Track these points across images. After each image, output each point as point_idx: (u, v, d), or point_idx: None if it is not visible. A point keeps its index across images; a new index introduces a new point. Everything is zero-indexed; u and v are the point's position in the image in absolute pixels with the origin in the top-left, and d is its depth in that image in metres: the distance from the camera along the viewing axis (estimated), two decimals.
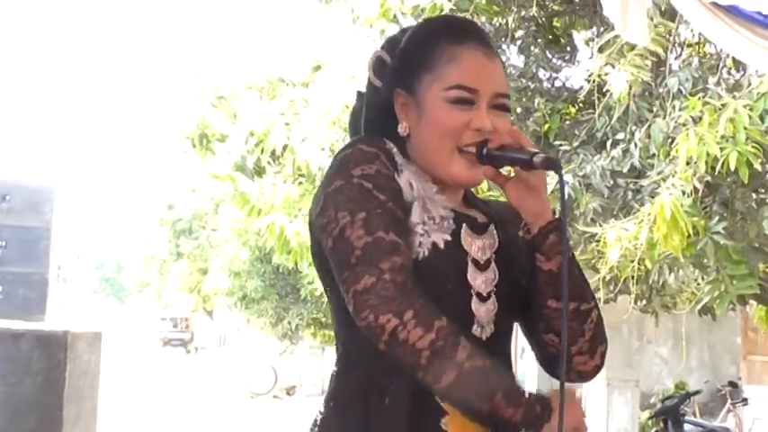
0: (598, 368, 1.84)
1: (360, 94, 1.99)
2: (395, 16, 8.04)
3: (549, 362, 1.84)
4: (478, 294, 1.77)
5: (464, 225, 1.80)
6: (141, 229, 46.90)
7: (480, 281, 1.78)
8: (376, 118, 1.90)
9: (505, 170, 1.86)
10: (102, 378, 5.69)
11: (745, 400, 9.23)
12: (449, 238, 1.75)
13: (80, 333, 5.22)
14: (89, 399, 5.34)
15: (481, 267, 1.79)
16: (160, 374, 27.83)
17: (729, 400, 12.09)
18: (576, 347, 1.79)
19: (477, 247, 1.80)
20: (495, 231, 1.85)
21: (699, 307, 6.57)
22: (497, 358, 1.71)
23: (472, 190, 1.98)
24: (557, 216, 1.79)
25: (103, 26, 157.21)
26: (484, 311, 1.77)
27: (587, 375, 1.84)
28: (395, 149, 1.80)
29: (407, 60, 1.87)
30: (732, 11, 3.85)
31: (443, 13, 7.12)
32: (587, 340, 1.80)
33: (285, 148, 8.14)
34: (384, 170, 1.73)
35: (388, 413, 1.69)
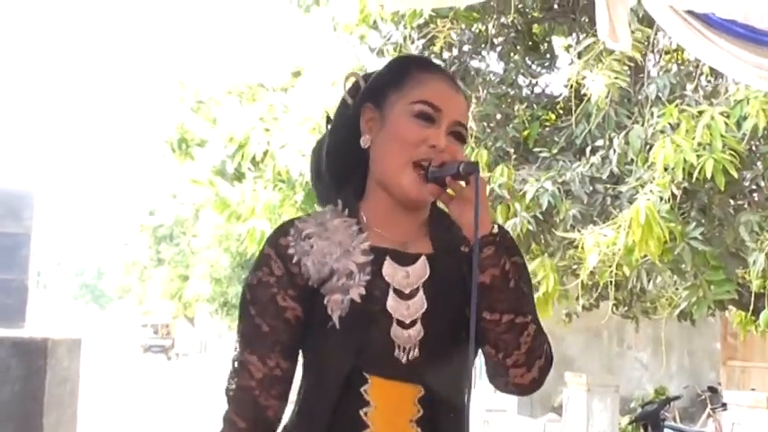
0: (536, 381, 1.88)
1: (329, 121, 2.10)
2: (374, 22, 8.06)
3: (489, 373, 1.93)
4: (399, 322, 1.85)
5: (387, 258, 1.89)
6: (122, 235, 46.74)
7: (403, 309, 1.86)
8: (342, 133, 2.00)
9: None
10: (82, 385, 5.66)
11: (724, 405, 9.27)
12: (363, 291, 1.84)
13: (60, 340, 5.20)
14: (69, 406, 5.31)
15: (405, 296, 1.87)
16: (141, 381, 27.71)
17: (709, 406, 12.14)
18: (512, 360, 1.84)
19: (399, 277, 1.88)
20: (425, 263, 1.91)
21: (677, 312, 6.60)
22: (423, 380, 1.84)
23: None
24: (494, 231, 1.85)
25: (84, 30, 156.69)
26: (406, 337, 1.84)
27: (525, 389, 1.89)
28: (308, 222, 1.93)
29: (379, 80, 2.00)
30: (707, 20, 3.88)
31: (418, 42, 7.21)
32: (523, 353, 1.84)
33: (265, 153, 8.14)
34: (265, 277, 1.89)
35: (313, 427, 1.88)
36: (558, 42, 8.41)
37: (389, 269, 1.89)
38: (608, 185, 6.68)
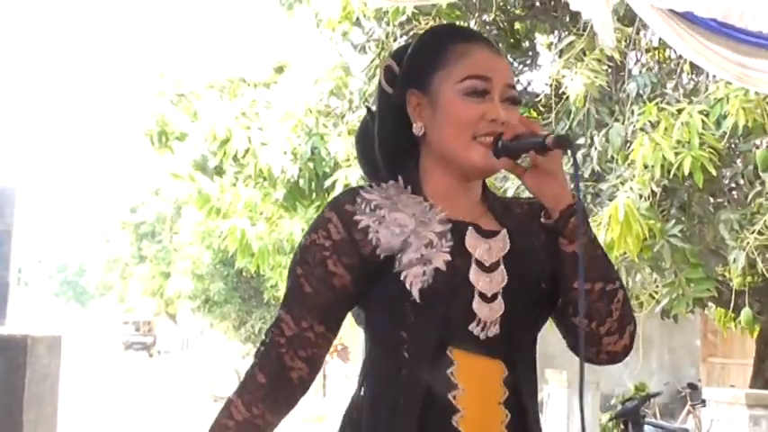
0: (627, 348, 1.86)
1: (369, 111, 2.04)
2: (357, 19, 8.06)
3: (577, 345, 1.84)
4: (482, 295, 1.79)
5: (469, 229, 1.84)
6: (103, 231, 46.53)
7: (484, 282, 1.80)
8: (389, 123, 1.95)
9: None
10: (62, 382, 5.65)
11: (703, 402, 9.32)
12: (448, 257, 1.79)
13: (40, 337, 5.19)
14: (49, 403, 5.31)
15: (486, 269, 1.82)
16: (122, 378, 27.63)
17: (689, 402, 12.22)
18: (605, 328, 1.82)
19: (482, 249, 1.83)
20: (506, 237, 1.86)
21: (658, 309, 6.63)
22: (505, 358, 1.79)
23: (495, 191, 2.02)
24: (574, 201, 1.82)
25: (63, 24, 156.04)
26: (487, 311, 1.79)
27: (617, 356, 1.87)
28: (373, 194, 1.86)
29: (418, 62, 1.93)
30: (688, 17, 3.90)
31: (400, 39, 7.21)
32: (615, 320, 1.82)
33: (247, 150, 8.12)
34: (320, 240, 1.84)
35: (399, 416, 1.78)
36: (540, 40, 8.44)
37: (472, 240, 1.83)
38: (589, 183, 6.71)
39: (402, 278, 1.77)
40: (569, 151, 1.81)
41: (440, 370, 1.77)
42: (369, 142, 1.99)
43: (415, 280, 1.77)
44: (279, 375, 1.82)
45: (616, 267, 6.41)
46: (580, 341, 1.77)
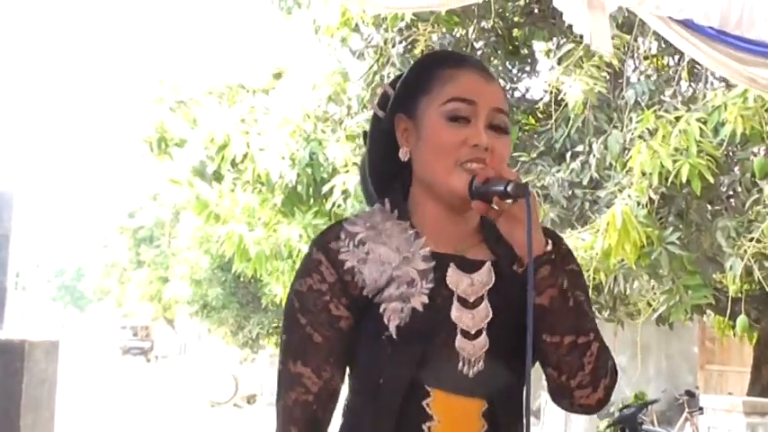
0: (601, 401, 1.80)
1: (365, 136, 2.02)
2: (356, 25, 8.08)
3: (552, 393, 1.84)
4: (464, 332, 1.76)
5: (451, 265, 1.80)
6: (101, 236, 46.54)
7: (467, 318, 1.76)
8: (380, 147, 1.92)
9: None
10: (60, 387, 5.65)
11: (701, 409, 9.32)
12: (426, 300, 1.76)
13: (37, 342, 5.19)
14: (46, 408, 5.31)
15: (469, 305, 1.78)
16: (120, 383, 27.61)
17: (687, 409, 12.20)
18: (576, 381, 1.76)
19: (464, 285, 1.79)
20: (491, 270, 1.81)
21: (655, 316, 6.64)
22: (485, 394, 1.75)
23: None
24: (548, 249, 1.75)
25: (62, 29, 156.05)
26: (471, 348, 1.75)
27: (591, 408, 1.82)
28: (357, 225, 1.84)
29: (406, 87, 1.90)
30: (688, 24, 3.92)
31: (399, 46, 7.21)
32: (587, 374, 1.76)
33: (245, 156, 8.13)
34: (317, 284, 1.81)
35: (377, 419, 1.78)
36: (539, 47, 8.45)
37: (454, 277, 1.79)
38: (587, 190, 6.72)
39: (381, 311, 1.76)
40: (525, 199, 1.72)
41: (415, 401, 1.75)
42: (365, 174, 1.99)
43: (392, 315, 1.75)
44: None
45: (613, 275, 6.47)
46: (527, 357, 1.68)
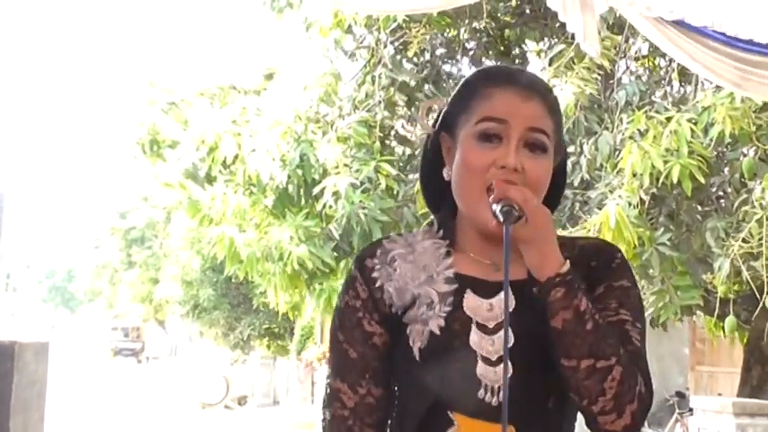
0: (629, 427, 1.68)
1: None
2: (348, 26, 8.08)
3: (588, 423, 1.75)
4: (485, 358, 1.73)
5: (468, 291, 1.77)
6: (92, 237, 46.45)
7: (487, 344, 1.74)
8: (427, 164, 1.92)
9: None
10: (50, 388, 5.65)
11: (691, 410, 9.34)
12: (443, 323, 1.74)
13: (27, 343, 5.19)
14: (36, 409, 5.30)
15: (489, 331, 1.75)
16: (110, 384, 27.56)
17: (677, 410, 12.21)
18: (598, 407, 1.66)
19: (482, 310, 1.76)
20: (510, 293, 1.73)
21: (647, 318, 6.65)
22: (520, 421, 1.70)
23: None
24: (562, 270, 1.68)
25: (54, 31, 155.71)
26: (492, 375, 1.72)
27: None
28: (396, 243, 1.85)
29: (452, 104, 1.87)
30: (680, 24, 3.92)
31: (391, 47, 7.20)
32: (610, 399, 1.65)
33: (236, 157, 8.11)
34: (352, 301, 1.83)
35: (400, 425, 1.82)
36: (530, 47, 8.47)
37: (472, 302, 1.76)
38: (578, 191, 6.73)
39: (408, 332, 1.77)
40: (504, 225, 1.67)
41: (438, 425, 1.74)
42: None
43: (416, 337, 1.76)
44: None
45: None
46: (504, 365, 1.64)
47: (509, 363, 1.66)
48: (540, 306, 1.69)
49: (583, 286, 1.70)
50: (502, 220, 1.65)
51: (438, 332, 1.74)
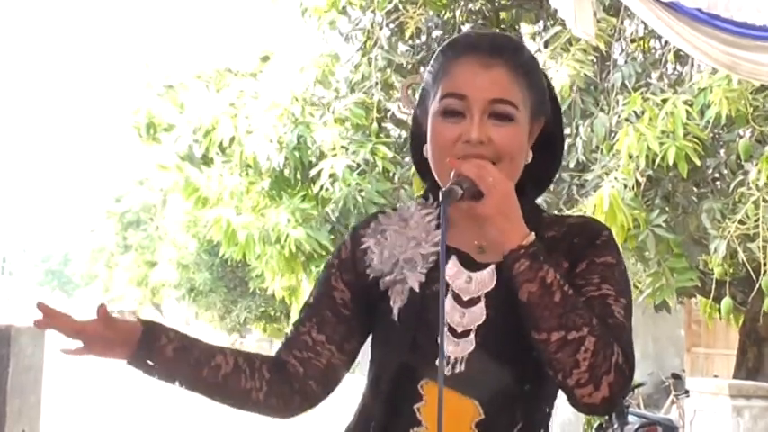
0: (608, 400, 1.65)
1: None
2: (344, 8, 8.06)
3: (568, 399, 1.72)
4: (451, 329, 1.72)
5: (453, 257, 1.76)
6: (88, 221, 46.45)
7: (458, 316, 1.73)
8: (413, 140, 1.92)
9: None
10: (46, 372, 5.64)
11: (687, 392, 9.37)
12: (423, 278, 1.74)
13: (23, 328, 5.18)
14: (32, 393, 5.29)
15: (464, 303, 1.74)
16: (106, 368, 27.59)
17: (673, 392, 12.27)
18: (573, 380, 1.63)
19: (461, 281, 1.75)
20: (494, 272, 1.74)
21: (641, 299, 6.66)
22: (479, 399, 1.70)
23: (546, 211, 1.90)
24: (525, 242, 1.64)
25: (51, 13, 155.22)
26: (453, 347, 1.71)
27: (597, 408, 1.67)
28: (391, 218, 1.84)
29: (425, 82, 1.85)
30: (673, 6, 3.92)
31: (386, 29, 7.19)
32: (584, 371, 1.62)
33: (232, 139, 8.09)
34: (331, 260, 1.89)
35: (368, 398, 1.81)
36: (526, 30, 8.45)
37: (453, 269, 1.75)
38: (573, 173, 6.72)
39: (389, 294, 1.77)
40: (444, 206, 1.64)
41: (407, 403, 1.73)
42: None
43: (396, 297, 1.75)
44: (277, 367, 1.85)
45: None
46: (441, 366, 1.62)
47: (472, 338, 1.71)
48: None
49: (555, 263, 1.68)
50: (441, 199, 1.63)
51: (417, 289, 1.74)
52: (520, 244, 1.64)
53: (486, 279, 1.75)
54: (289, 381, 1.83)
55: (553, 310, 1.62)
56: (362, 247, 1.82)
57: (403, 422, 1.72)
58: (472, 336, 1.72)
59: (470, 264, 1.77)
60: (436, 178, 1.77)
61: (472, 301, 1.74)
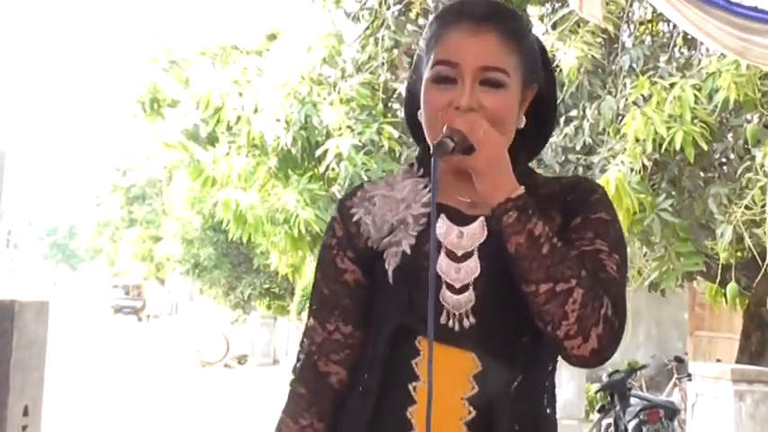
0: (597, 351, 1.67)
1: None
2: None
3: (551, 348, 1.74)
4: (449, 285, 1.74)
5: (442, 215, 1.77)
6: (94, 194, 46.50)
7: (453, 272, 1.74)
8: (407, 110, 1.93)
9: None
10: (50, 346, 5.65)
11: (689, 376, 9.37)
12: (413, 241, 1.76)
13: (27, 302, 5.17)
14: (36, 369, 5.30)
15: (457, 258, 1.75)
16: (111, 342, 27.68)
17: (675, 375, 12.27)
18: (562, 331, 1.65)
19: (452, 237, 1.76)
20: (484, 224, 1.76)
21: (647, 282, 6.66)
22: (477, 352, 1.72)
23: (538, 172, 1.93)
24: (514, 195, 1.67)
25: None
26: (454, 302, 1.73)
27: (587, 360, 1.69)
28: (378, 185, 1.86)
29: (420, 48, 1.87)
30: None
31: (394, 8, 7.12)
32: (573, 323, 1.64)
33: (239, 118, 8.07)
34: (329, 240, 1.88)
35: (357, 400, 1.81)
36: (533, 12, 8.40)
37: (443, 227, 1.76)
38: (580, 156, 6.70)
39: (384, 258, 1.78)
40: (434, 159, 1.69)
41: (404, 359, 1.75)
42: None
43: (391, 260, 1.77)
44: (317, 382, 1.85)
45: None
46: (429, 319, 1.65)
47: (471, 293, 1.73)
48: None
49: (547, 217, 1.71)
50: (432, 152, 1.67)
51: (409, 251, 1.76)
52: (508, 197, 1.67)
53: (477, 231, 1.77)
54: (334, 394, 1.85)
55: (541, 262, 1.65)
56: (354, 219, 1.83)
57: (401, 377, 1.74)
58: (471, 290, 1.74)
59: (460, 219, 1.79)
60: (429, 143, 1.78)
61: (465, 256, 1.76)
